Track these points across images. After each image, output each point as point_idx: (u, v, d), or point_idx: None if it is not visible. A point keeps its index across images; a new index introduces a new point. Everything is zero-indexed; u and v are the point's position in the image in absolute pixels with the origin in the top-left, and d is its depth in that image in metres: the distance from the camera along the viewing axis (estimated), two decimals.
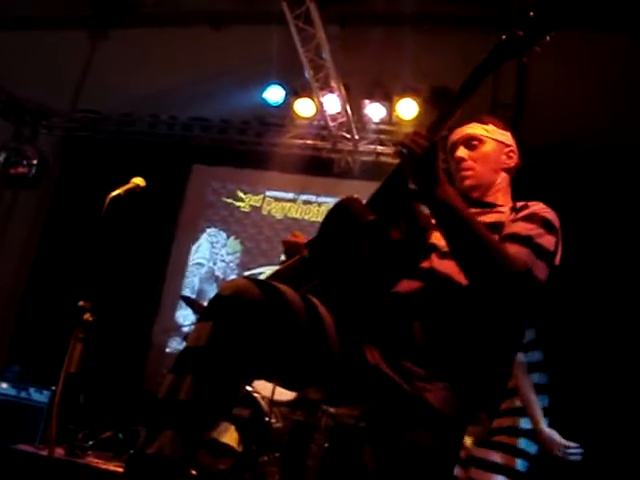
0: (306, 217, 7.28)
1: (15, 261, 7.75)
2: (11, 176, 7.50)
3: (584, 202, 6.03)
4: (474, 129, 2.22)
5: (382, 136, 7.09)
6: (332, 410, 5.35)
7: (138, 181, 3.27)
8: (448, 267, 1.97)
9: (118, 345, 6.91)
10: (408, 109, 6.70)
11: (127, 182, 3.28)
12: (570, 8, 2.09)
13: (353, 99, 6.93)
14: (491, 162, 2.20)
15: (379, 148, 7.07)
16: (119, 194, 3.15)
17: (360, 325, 1.93)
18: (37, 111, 7.93)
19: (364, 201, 2.04)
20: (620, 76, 5.71)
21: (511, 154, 2.24)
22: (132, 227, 6.90)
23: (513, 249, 1.89)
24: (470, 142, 2.21)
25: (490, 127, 2.23)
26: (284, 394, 5.31)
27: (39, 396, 6.06)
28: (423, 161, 1.83)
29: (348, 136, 7.14)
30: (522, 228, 1.96)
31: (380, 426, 1.89)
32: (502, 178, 2.22)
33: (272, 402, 5.21)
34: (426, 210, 2.00)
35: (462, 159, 2.20)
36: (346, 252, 1.97)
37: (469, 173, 2.19)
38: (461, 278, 1.91)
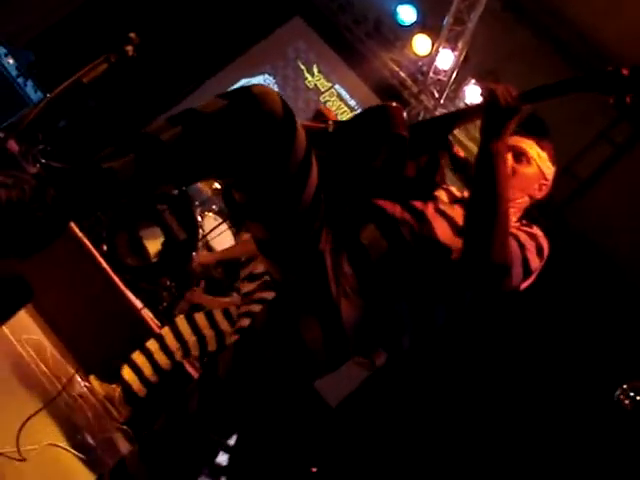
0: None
1: None
2: None
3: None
4: (530, 147, 2.27)
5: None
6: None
7: None
8: (437, 221, 2.04)
9: (128, 103, 6.85)
10: None
11: None
12: None
13: (464, 71, 6.86)
14: (524, 183, 2.25)
15: None
16: None
17: (333, 210, 1.96)
18: None
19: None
20: None
21: (543, 187, 2.30)
22: (215, 21, 6.77)
23: (512, 244, 1.96)
24: (519, 155, 2.26)
25: (543, 155, 2.28)
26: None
27: (33, 93, 6.05)
28: (502, 114, 1.90)
29: (436, 95, 7.07)
30: (522, 236, 2.04)
31: (285, 301, 1.95)
32: (523, 201, 2.28)
33: (209, 245, 5.31)
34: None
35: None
36: (363, 149, 2.01)
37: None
38: (444, 237, 2.00)
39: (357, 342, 1.92)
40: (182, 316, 3.70)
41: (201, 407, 1.90)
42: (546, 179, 2.29)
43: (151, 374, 3.36)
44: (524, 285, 2.06)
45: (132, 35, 2.84)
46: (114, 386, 3.24)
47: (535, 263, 2.03)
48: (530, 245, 2.03)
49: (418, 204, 2.10)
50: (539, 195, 2.29)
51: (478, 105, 2.05)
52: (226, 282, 5.35)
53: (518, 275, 1.97)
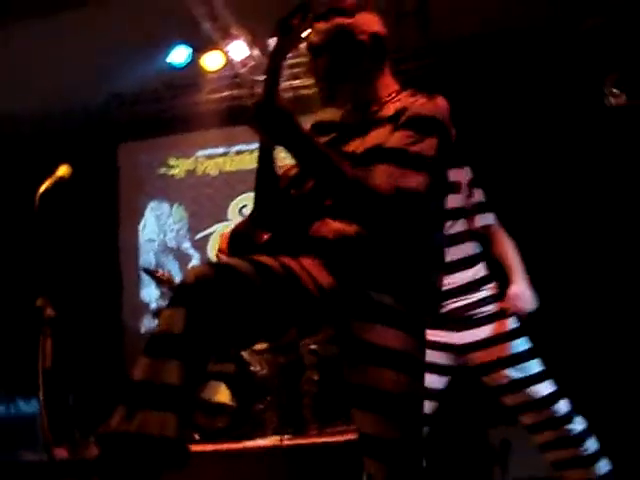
0: (242, 167, 7.26)
1: None
2: None
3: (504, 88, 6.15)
4: (317, 35, 2.09)
5: (295, 70, 7.01)
6: (313, 346, 5.47)
7: (63, 171, 3.27)
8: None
9: (91, 339, 6.89)
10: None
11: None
12: None
13: (259, 41, 6.85)
14: (342, 67, 2.09)
15: (295, 82, 7.00)
16: (47, 187, 3.16)
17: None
18: None
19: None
20: None
21: (362, 43, 2.08)
22: (72, 219, 6.85)
23: (380, 171, 1.90)
24: (316, 52, 2.11)
25: (336, 22, 2.09)
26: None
27: (28, 406, 6.06)
28: (260, 114, 1.85)
29: (262, 77, 7.06)
30: (399, 140, 1.94)
31: (351, 338, 1.94)
32: (368, 72, 2.12)
33: (253, 351, 5.33)
34: None
35: (313, 75, 2.15)
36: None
37: (325, 90, 2.15)
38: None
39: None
40: None
41: None
42: (356, 34, 2.08)
43: None
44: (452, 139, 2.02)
45: (39, 302, 2.88)
46: None
47: (428, 147, 1.92)
48: (410, 137, 1.92)
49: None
50: (366, 53, 2.09)
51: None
52: None
53: (416, 178, 1.88)
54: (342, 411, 4.61)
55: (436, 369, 3.10)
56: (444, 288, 2.84)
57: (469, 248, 3.24)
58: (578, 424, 3.04)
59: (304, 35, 2.04)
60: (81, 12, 6.61)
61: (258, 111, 1.85)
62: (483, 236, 3.33)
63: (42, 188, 3.16)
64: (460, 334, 3.16)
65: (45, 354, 3.00)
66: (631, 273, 5.47)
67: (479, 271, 3.24)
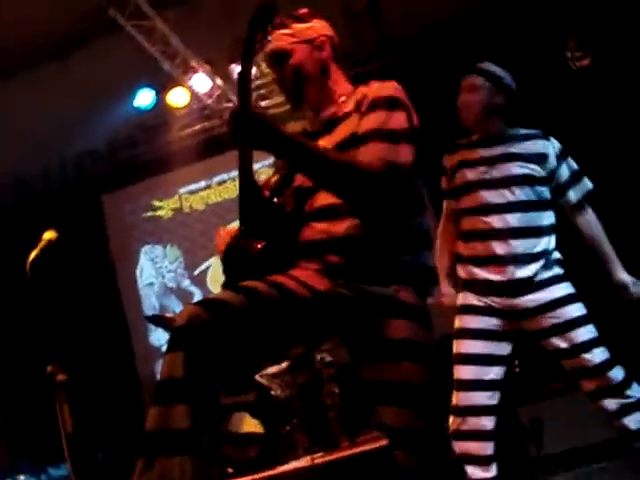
0: (227, 197, 7.27)
1: None
2: None
3: None
4: (279, 41, 2.14)
5: (262, 91, 7.05)
6: (328, 359, 5.46)
7: (49, 235, 3.27)
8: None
9: (109, 395, 6.89)
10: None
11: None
12: None
13: (220, 69, 6.90)
14: (307, 69, 2.14)
15: (263, 103, 7.03)
16: (36, 255, 3.16)
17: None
18: None
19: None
20: None
21: (323, 44, 2.16)
22: (68, 279, 6.87)
23: (370, 151, 1.94)
24: (278, 58, 2.15)
25: (298, 26, 2.15)
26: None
27: (59, 471, 6.06)
28: (237, 122, 1.85)
29: (230, 104, 7.11)
30: (371, 122, 1.99)
31: (360, 336, 1.96)
32: (328, 73, 2.18)
33: (272, 376, 5.31)
34: None
35: (276, 81, 2.22)
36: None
37: (293, 95, 2.19)
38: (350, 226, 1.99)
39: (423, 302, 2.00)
40: None
41: None
42: (315, 38, 2.16)
43: None
44: (415, 124, 2.03)
45: (50, 368, 2.87)
46: None
47: (400, 120, 1.98)
48: (381, 116, 1.97)
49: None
50: (326, 54, 2.16)
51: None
52: None
53: (402, 150, 1.94)
54: (369, 417, 4.61)
55: (496, 336, 3.05)
56: (506, 254, 2.99)
57: (544, 217, 3.18)
58: (636, 391, 2.99)
59: (270, 32, 2.12)
60: (39, 72, 6.70)
61: (235, 119, 1.86)
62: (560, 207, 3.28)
63: (31, 256, 3.16)
64: (518, 299, 3.07)
65: (64, 419, 2.99)
66: None
67: (550, 242, 3.14)
